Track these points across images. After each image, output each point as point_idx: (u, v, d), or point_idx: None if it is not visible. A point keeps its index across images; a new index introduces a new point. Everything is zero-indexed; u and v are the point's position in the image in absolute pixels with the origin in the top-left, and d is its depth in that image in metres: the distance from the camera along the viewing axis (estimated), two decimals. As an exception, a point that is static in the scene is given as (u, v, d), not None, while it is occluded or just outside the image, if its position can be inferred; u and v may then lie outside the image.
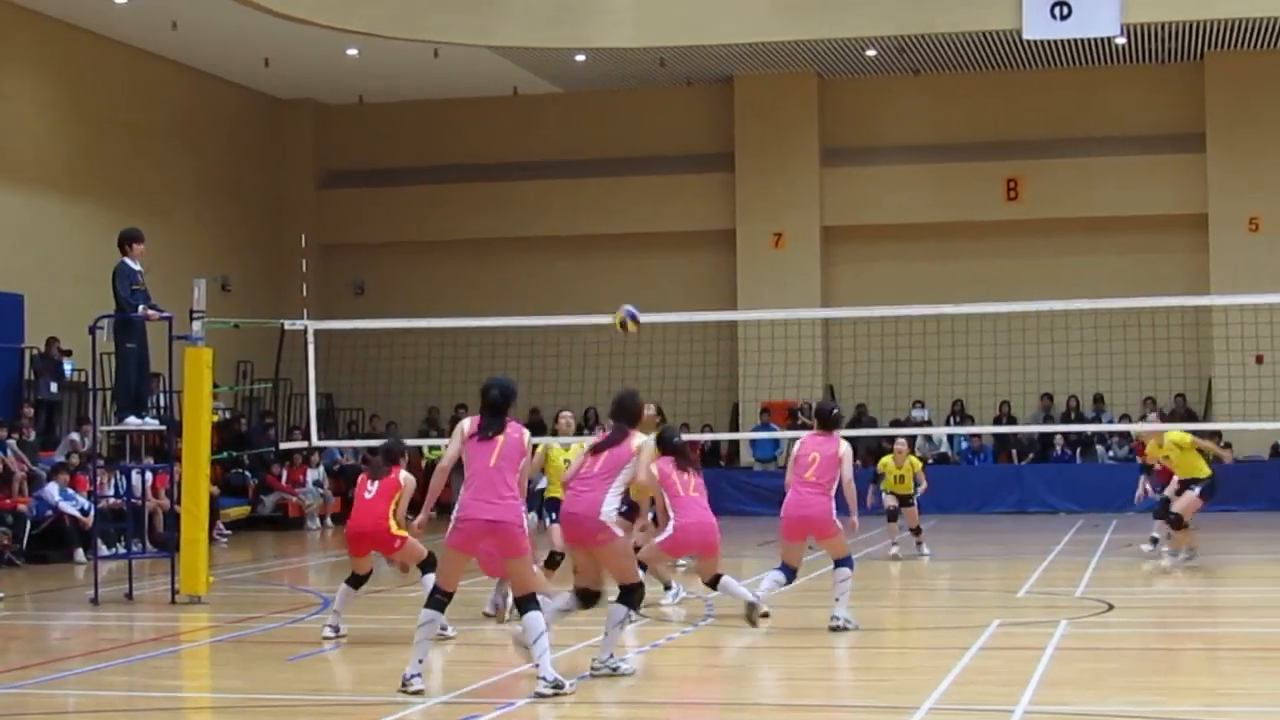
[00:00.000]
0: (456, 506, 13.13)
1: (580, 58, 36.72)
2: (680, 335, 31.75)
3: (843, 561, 16.44)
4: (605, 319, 17.85)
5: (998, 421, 36.74)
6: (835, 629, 16.14)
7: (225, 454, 29.70)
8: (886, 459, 25.96)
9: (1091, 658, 14.78)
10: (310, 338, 21.65)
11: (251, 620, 18.10)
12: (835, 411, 17.03)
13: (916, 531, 25.54)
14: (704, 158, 39.74)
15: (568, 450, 19.12)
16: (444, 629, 15.27)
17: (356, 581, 16.54)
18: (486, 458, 13.02)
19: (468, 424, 13.28)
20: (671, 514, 17.03)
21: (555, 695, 12.61)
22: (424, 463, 36.05)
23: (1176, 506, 22.23)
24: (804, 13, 35.01)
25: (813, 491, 16.36)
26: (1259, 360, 34.05)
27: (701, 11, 35.08)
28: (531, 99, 40.29)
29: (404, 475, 16.41)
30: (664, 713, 12.86)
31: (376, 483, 16.35)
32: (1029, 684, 13.09)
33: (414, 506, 15.78)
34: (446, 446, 13.37)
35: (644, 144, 40.18)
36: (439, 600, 13.17)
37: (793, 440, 17.99)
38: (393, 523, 16.15)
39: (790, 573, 16.64)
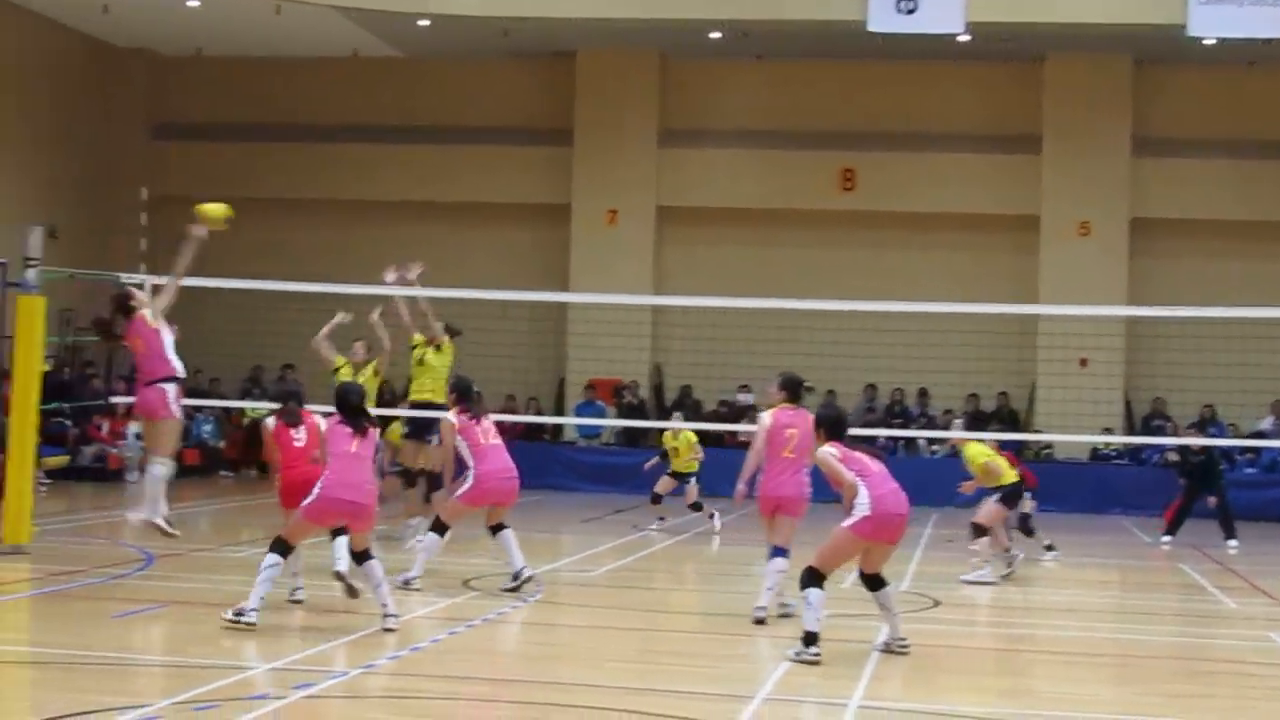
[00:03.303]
0: (319, 483, 14.59)
1: (424, 23, 36.43)
2: (509, 308, 31.70)
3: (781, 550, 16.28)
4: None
5: (823, 409, 36.86)
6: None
7: (55, 405, 29.20)
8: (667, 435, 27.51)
9: (919, 653, 14.79)
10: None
11: (75, 573, 17.78)
12: (806, 382, 16.92)
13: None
14: (543, 132, 39.56)
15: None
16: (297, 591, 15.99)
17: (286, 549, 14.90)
18: (348, 443, 14.72)
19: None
20: (471, 464, 17.27)
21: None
22: (245, 422, 35.85)
23: (977, 517, 21.46)
24: (652, -9, 35.01)
25: (793, 468, 16.36)
26: (1083, 364, 34.60)
27: (548, -16, 34.98)
28: (371, 61, 39.94)
29: (316, 418, 16.11)
30: (486, 689, 12.76)
31: (302, 429, 16.07)
32: (861, 678, 13.19)
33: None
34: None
35: (483, 114, 39.87)
36: (284, 548, 14.61)
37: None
38: None
39: (783, 552, 16.32)
